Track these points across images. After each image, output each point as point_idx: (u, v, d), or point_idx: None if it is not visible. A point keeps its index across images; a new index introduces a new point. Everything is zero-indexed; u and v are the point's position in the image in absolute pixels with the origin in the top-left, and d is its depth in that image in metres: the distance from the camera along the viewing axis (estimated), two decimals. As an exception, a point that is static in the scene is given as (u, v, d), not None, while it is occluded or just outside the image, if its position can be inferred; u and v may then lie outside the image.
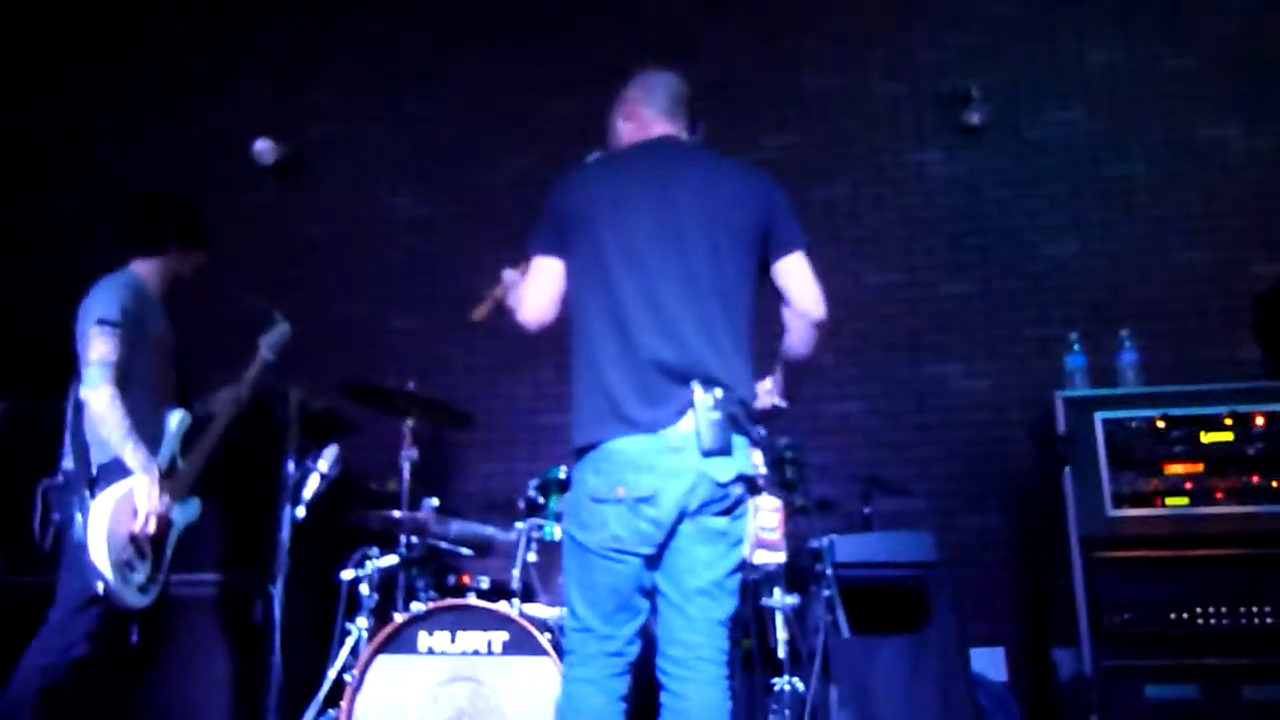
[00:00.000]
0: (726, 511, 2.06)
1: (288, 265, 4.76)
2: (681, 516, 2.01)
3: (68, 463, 2.70)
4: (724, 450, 1.99)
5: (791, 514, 3.33)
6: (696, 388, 2.00)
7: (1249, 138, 4.37)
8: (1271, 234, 4.23)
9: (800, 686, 3.10)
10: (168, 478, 2.73)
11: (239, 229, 4.36)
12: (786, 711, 3.05)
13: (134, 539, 2.62)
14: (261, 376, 3.07)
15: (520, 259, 2.39)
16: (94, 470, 2.64)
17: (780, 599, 3.15)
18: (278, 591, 2.94)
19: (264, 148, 4.83)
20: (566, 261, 2.16)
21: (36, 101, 5.25)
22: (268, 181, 4.92)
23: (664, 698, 2.06)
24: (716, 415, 1.98)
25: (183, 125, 5.09)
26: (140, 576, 2.64)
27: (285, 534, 2.98)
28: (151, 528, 2.64)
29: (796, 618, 3.17)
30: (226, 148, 4.91)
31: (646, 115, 2.32)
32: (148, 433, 2.70)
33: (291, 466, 3.02)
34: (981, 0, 4.67)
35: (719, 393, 2.00)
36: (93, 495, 2.59)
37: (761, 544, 2.28)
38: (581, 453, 2.07)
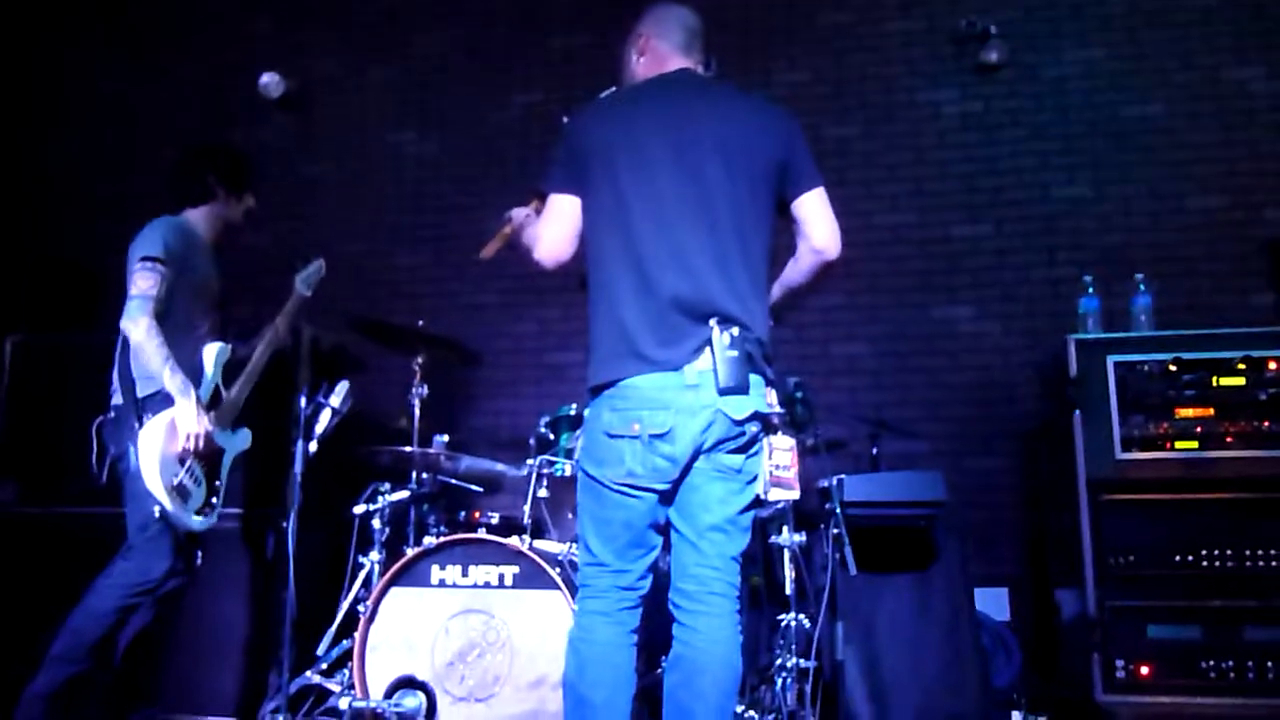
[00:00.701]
0: (741, 449, 2.06)
1: (295, 201, 4.72)
2: (697, 453, 2.02)
3: (117, 398, 2.78)
4: (740, 388, 1.99)
5: (801, 453, 3.34)
6: (714, 325, 2.00)
7: (1271, 80, 4.29)
8: (1288, 179, 4.18)
9: (807, 623, 3.15)
10: (212, 406, 2.82)
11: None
12: (793, 646, 3.10)
13: (183, 461, 2.70)
14: (298, 313, 3.15)
15: (528, 196, 2.37)
16: (141, 402, 2.72)
17: (788, 537, 3.18)
18: (291, 525, 2.96)
19: (270, 81, 4.75)
20: (583, 199, 2.14)
21: (40, 38, 5.15)
22: (274, 116, 4.85)
23: (675, 630, 2.09)
24: (734, 353, 1.99)
25: (188, 60, 5.01)
26: (197, 500, 2.74)
27: (298, 469, 2.99)
28: (196, 445, 2.70)
29: (804, 555, 3.21)
30: (232, 83, 4.84)
31: (662, 50, 2.28)
32: (186, 366, 2.76)
33: (303, 402, 3.01)
34: (1002, -66, 4.55)
35: (736, 331, 2.00)
36: (141, 425, 2.67)
37: (776, 482, 2.29)
38: (597, 390, 2.07)
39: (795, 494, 2.46)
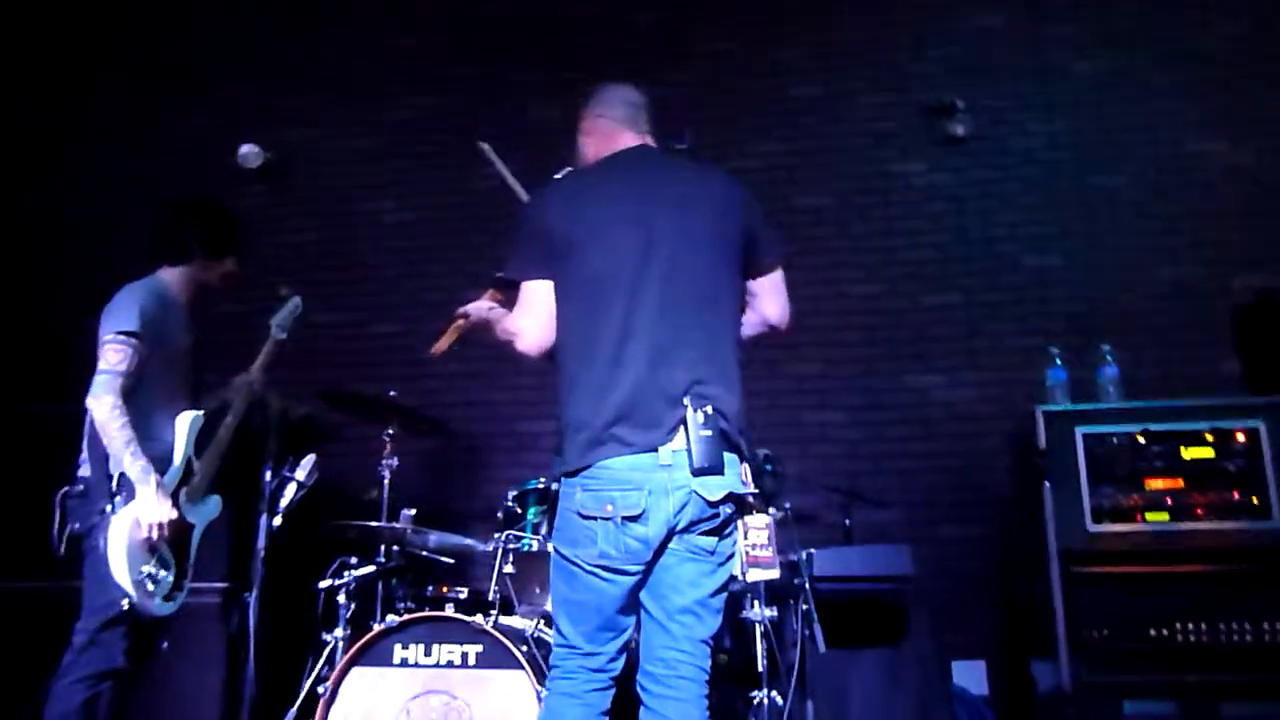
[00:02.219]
0: (715, 531, 2.04)
1: (270, 270, 4.72)
2: (670, 534, 1.99)
3: (84, 470, 2.67)
4: (715, 468, 1.97)
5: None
6: (688, 405, 1.98)
7: (1233, 153, 4.39)
8: (1253, 249, 4.25)
9: (779, 700, 3.09)
10: (184, 481, 2.72)
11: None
12: (765, 724, 3.04)
13: (153, 550, 2.60)
14: (275, 358, 3.02)
15: (483, 287, 2.36)
16: (114, 479, 2.60)
17: (759, 612, 3.15)
18: (253, 601, 2.91)
19: (249, 152, 4.78)
20: (556, 282, 2.11)
21: (17, 105, 5.20)
22: (253, 185, 4.89)
23: (643, 714, 2.04)
24: (708, 433, 1.96)
25: (165, 129, 5.06)
26: (165, 586, 2.63)
27: (261, 543, 2.95)
28: (158, 535, 2.60)
29: (775, 631, 3.17)
30: (209, 152, 4.87)
31: (605, 127, 2.30)
32: (159, 440, 2.69)
33: (269, 476, 2.99)
34: (967, 13, 4.68)
35: (709, 409, 1.98)
36: (113, 507, 2.56)
37: (754, 562, 2.27)
38: (572, 474, 2.04)
39: (775, 573, 2.43)
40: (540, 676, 2.63)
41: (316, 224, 4.91)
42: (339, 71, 5.09)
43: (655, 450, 1.97)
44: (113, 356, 2.61)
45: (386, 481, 3.42)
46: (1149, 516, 3.23)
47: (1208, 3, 4.56)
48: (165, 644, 2.75)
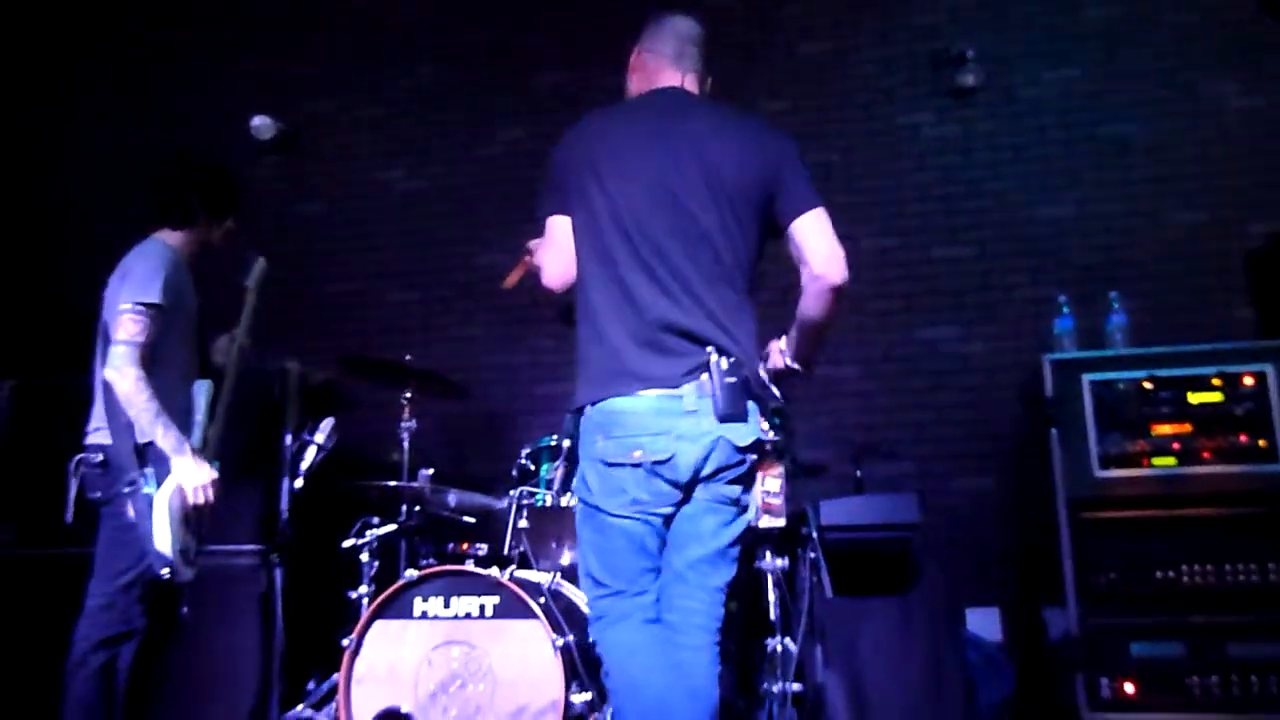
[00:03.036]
0: (740, 479, 2.03)
1: (286, 241, 4.81)
2: (695, 481, 1.98)
3: (101, 438, 2.64)
4: (740, 415, 1.96)
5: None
6: (711, 352, 1.95)
7: (1246, 95, 4.33)
8: (1266, 193, 4.21)
9: (792, 646, 3.17)
10: (203, 450, 2.72)
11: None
12: (779, 671, 3.12)
13: (188, 521, 2.61)
14: (256, 319, 2.97)
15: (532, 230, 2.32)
16: (138, 450, 2.59)
17: (771, 561, 3.22)
18: (279, 561, 3.02)
19: (262, 124, 4.87)
20: (574, 217, 2.09)
21: (31, 81, 5.29)
22: (266, 157, 4.96)
23: None
24: (733, 379, 1.94)
25: (178, 102, 5.12)
26: (192, 552, 2.65)
27: (284, 506, 3.05)
28: (209, 498, 2.61)
29: (786, 580, 3.24)
30: (222, 124, 4.95)
31: (652, 64, 2.23)
32: (180, 411, 2.67)
33: (289, 440, 3.08)
34: (974, -40, 4.63)
35: (732, 357, 1.96)
36: (145, 479, 2.56)
37: (767, 509, 2.23)
38: (583, 411, 2.03)
39: (783, 521, 2.47)
40: (555, 626, 2.72)
41: (330, 193, 4.97)
42: (349, 41, 5.12)
43: (676, 390, 1.94)
44: (132, 326, 2.57)
45: (406, 444, 3.50)
46: (1156, 462, 3.25)
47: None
48: (185, 609, 2.77)
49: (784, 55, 4.73)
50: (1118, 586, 3.21)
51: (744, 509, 2.09)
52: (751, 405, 2.02)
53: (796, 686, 3.03)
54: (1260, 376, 3.24)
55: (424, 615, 2.83)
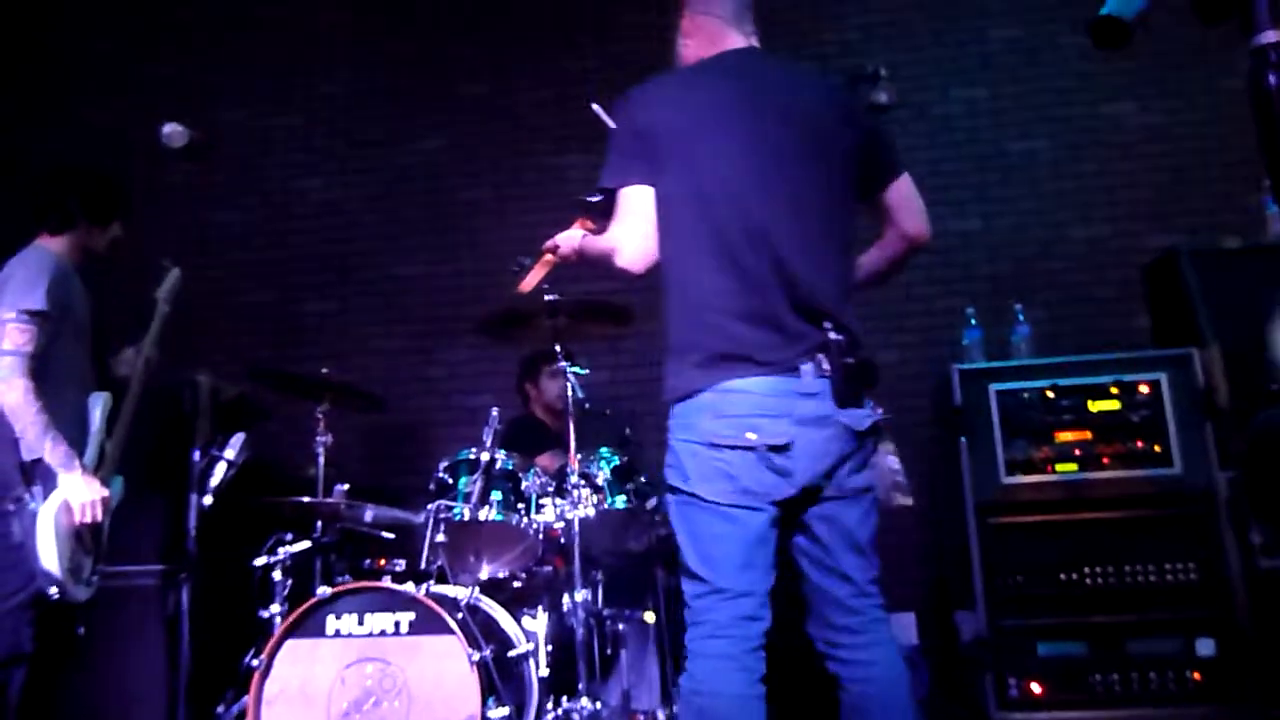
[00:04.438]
0: (863, 465, 1.90)
1: (200, 251, 4.69)
2: (818, 473, 1.82)
3: None
4: (859, 398, 1.84)
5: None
6: (829, 330, 1.80)
7: (1143, 114, 4.54)
8: (1163, 207, 4.41)
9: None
10: (99, 466, 2.65)
11: (149, 214, 4.28)
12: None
13: (79, 536, 2.55)
14: (165, 331, 2.95)
15: (571, 220, 2.13)
16: (26, 467, 2.53)
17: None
18: (186, 580, 2.93)
19: (173, 131, 4.70)
20: (659, 186, 1.89)
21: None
22: (179, 164, 4.82)
23: (839, 670, 1.89)
24: (849, 359, 1.80)
25: (89, 109, 4.97)
26: (86, 570, 2.59)
27: (193, 523, 2.97)
28: (96, 516, 2.55)
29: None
30: (134, 132, 4.79)
31: (711, 26, 2.07)
32: (72, 423, 2.61)
33: (197, 455, 3.00)
34: (886, -20, 4.77)
35: (847, 336, 1.82)
36: (32, 496, 2.50)
37: (896, 488, 2.11)
38: (684, 398, 1.85)
39: (911, 500, 2.40)
40: (472, 641, 2.70)
41: (245, 202, 4.87)
42: (265, 48, 5.03)
43: (793, 371, 1.79)
44: (18, 336, 2.50)
45: (321, 458, 3.44)
46: (1059, 467, 3.37)
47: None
48: (82, 630, 2.71)
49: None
50: (1024, 589, 3.31)
51: (875, 495, 1.95)
52: None
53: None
54: (1155, 385, 3.38)
55: (337, 633, 2.77)
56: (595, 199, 1.97)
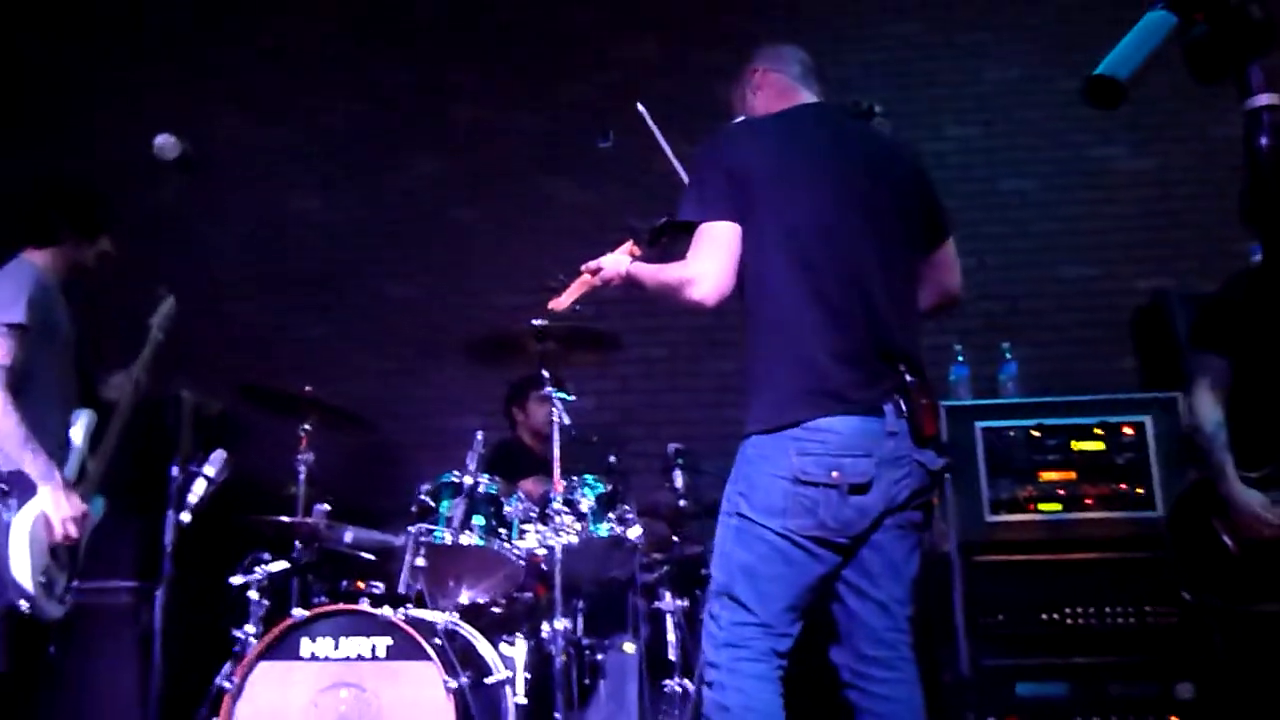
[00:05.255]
0: (927, 504, 1.99)
1: (189, 265, 4.67)
2: (887, 509, 1.90)
3: None
4: (937, 438, 1.94)
5: (683, 518, 3.40)
6: (904, 371, 1.91)
7: (1134, 158, 4.58)
8: (1152, 250, 4.44)
9: (691, 688, 3.16)
10: (79, 482, 2.64)
11: (139, 227, 4.28)
12: (676, 712, 3.11)
13: (54, 551, 2.53)
14: (156, 358, 2.96)
15: (621, 238, 2.19)
16: (3, 477, 2.51)
17: (670, 602, 3.22)
18: (160, 598, 2.90)
19: (165, 143, 4.68)
20: (745, 226, 1.97)
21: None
22: (169, 179, 4.82)
23: (864, 702, 1.96)
24: (924, 400, 1.90)
25: (81, 121, 4.97)
26: (60, 587, 2.57)
27: (170, 539, 2.94)
28: (72, 533, 2.54)
29: (686, 620, 3.24)
30: (127, 144, 4.79)
31: (781, 83, 2.21)
32: (53, 437, 2.60)
33: (176, 471, 2.97)
34: (883, 18, 4.81)
35: (924, 377, 1.94)
36: (7, 507, 2.48)
37: (940, 533, 2.29)
38: (771, 431, 1.90)
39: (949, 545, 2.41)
40: (449, 668, 2.67)
41: (236, 217, 4.86)
42: (264, 63, 5.04)
43: (878, 412, 1.87)
44: None
45: (302, 478, 3.41)
46: (1042, 507, 3.36)
47: (1116, 16, 4.73)
48: (53, 649, 2.67)
49: (695, 103, 4.80)
50: (1006, 628, 3.30)
51: (922, 535, 2.03)
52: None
53: (694, 728, 3.03)
54: (1139, 427, 3.38)
55: (312, 656, 2.74)
56: (656, 225, 2.07)
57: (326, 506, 3.25)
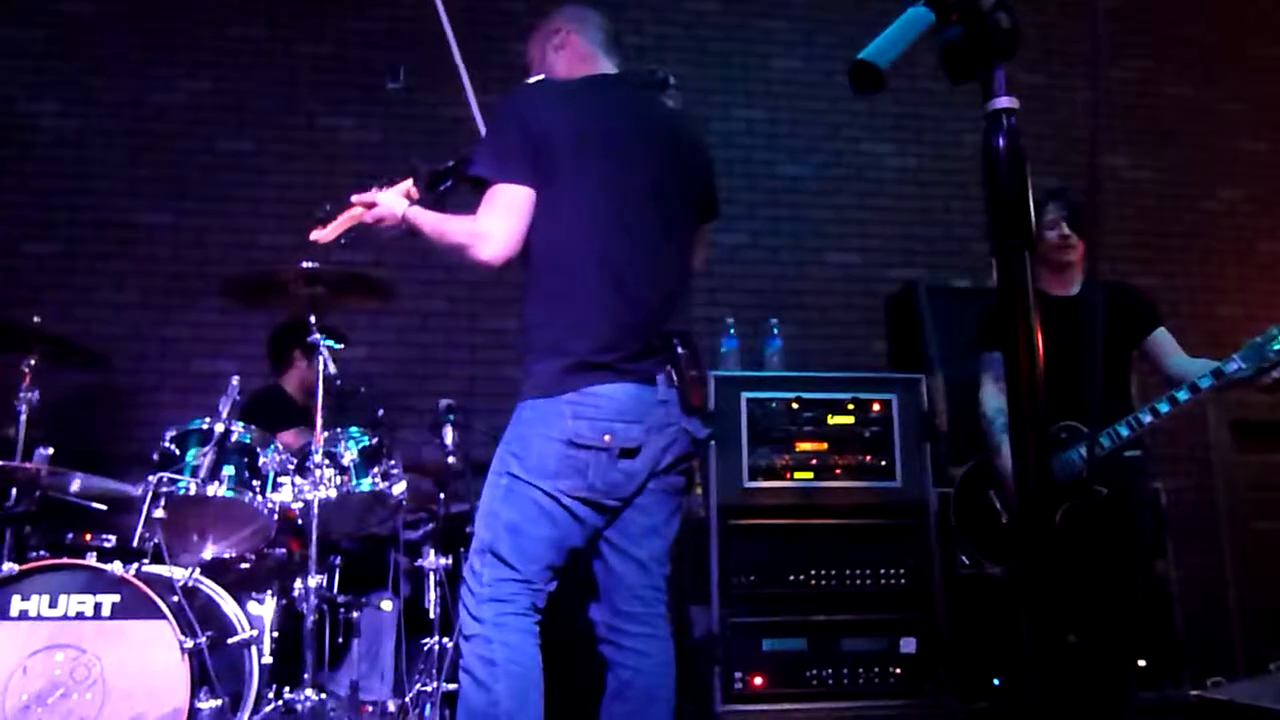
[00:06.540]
0: (689, 470, 2.10)
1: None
2: (651, 473, 1.99)
3: None
4: (704, 408, 2.03)
5: (451, 476, 3.34)
6: (681, 344, 1.98)
7: (899, 156, 4.92)
8: (908, 243, 4.81)
9: (450, 645, 3.13)
10: None
11: None
12: (434, 670, 3.07)
13: None
14: None
15: (392, 175, 2.10)
16: None
17: (433, 560, 3.16)
18: None
19: None
20: (541, 191, 1.97)
21: None
22: None
23: (616, 655, 2.05)
24: (694, 372, 1.99)
25: None
26: None
27: None
28: None
29: (448, 578, 3.19)
30: None
31: (583, 47, 2.21)
32: None
33: None
34: (679, -3, 4.89)
35: (695, 350, 2.01)
36: None
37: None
38: (548, 395, 1.93)
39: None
40: (186, 627, 2.49)
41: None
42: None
43: (650, 381, 1.95)
44: None
45: (24, 418, 3.06)
46: (797, 475, 3.57)
47: (886, 21, 5.05)
48: None
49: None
50: (755, 588, 3.48)
51: (682, 499, 2.13)
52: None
53: (451, 686, 2.99)
54: (886, 405, 3.66)
55: (23, 615, 2.47)
56: (441, 168, 2.02)
57: (50, 451, 2.92)
